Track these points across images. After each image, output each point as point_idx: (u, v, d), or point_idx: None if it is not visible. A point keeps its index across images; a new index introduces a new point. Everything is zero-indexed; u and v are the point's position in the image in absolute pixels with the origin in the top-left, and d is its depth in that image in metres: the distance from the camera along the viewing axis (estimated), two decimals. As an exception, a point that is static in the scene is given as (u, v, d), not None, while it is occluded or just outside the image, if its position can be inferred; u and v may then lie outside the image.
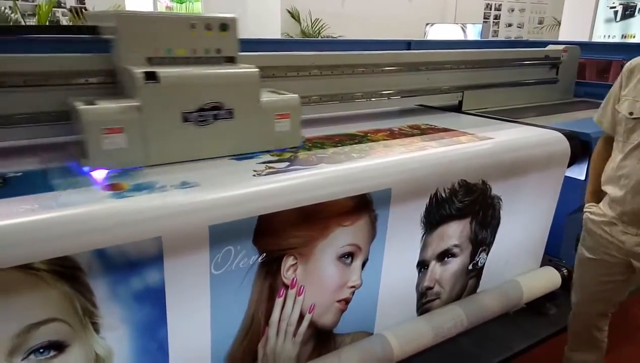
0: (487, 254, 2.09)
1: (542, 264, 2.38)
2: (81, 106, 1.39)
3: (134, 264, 1.19)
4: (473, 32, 8.85)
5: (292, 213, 1.42)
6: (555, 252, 2.43)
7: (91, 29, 1.61)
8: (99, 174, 1.38)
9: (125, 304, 1.22)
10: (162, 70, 1.43)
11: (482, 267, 2.11)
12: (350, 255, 1.63)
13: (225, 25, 1.58)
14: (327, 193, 1.48)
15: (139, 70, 1.41)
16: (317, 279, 1.58)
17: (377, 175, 1.60)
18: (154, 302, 1.26)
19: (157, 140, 1.45)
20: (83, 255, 1.11)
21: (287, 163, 1.56)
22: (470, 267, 2.05)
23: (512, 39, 9.11)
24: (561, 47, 3.07)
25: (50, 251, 1.06)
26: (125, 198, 1.21)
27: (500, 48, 3.34)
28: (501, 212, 2.04)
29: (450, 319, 1.93)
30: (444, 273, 1.97)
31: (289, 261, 1.49)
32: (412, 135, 2.02)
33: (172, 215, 1.22)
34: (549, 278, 2.30)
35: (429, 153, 1.75)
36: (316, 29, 7.78)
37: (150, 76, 1.40)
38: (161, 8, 7.24)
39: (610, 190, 1.64)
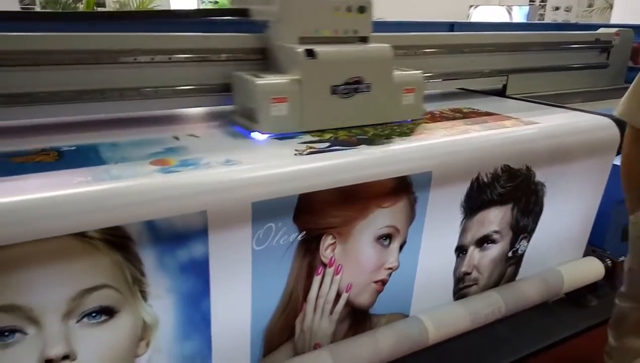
0: (527, 242, 2.05)
1: (585, 254, 2.32)
2: (254, 79, 1.61)
3: (181, 236, 1.24)
4: (519, 15, 8.53)
5: (331, 193, 1.43)
6: (599, 243, 2.35)
7: (242, 12, 1.84)
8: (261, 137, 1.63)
9: (171, 274, 1.27)
10: (318, 48, 1.63)
11: (522, 255, 2.07)
12: (389, 236, 1.64)
13: (364, 8, 1.75)
14: (367, 175, 1.48)
15: (300, 49, 1.62)
16: (354, 259, 1.60)
17: (418, 157, 1.59)
18: (198, 273, 1.30)
19: (310, 109, 1.66)
20: (133, 226, 1.16)
21: (328, 143, 1.58)
22: (509, 254, 2.01)
23: (559, 22, 8.74)
24: (613, 30, 2.94)
25: (106, 221, 1.12)
26: (172, 173, 1.25)
27: (547, 31, 3.22)
28: (544, 199, 1.99)
29: (488, 305, 1.92)
30: (483, 259, 1.95)
31: (327, 240, 1.51)
32: (454, 118, 1.99)
33: (217, 191, 1.26)
34: (592, 269, 2.24)
35: (472, 136, 1.72)
36: (356, 12, 7.68)
37: (309, 53, 1.62)
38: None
39: None
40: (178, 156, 1.40)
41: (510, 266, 2.06)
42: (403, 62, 2.20)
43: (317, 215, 1.45)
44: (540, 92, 2.64)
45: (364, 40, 1.81)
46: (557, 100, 2.42)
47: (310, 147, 1.52)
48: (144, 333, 1.29)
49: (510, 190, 1.84)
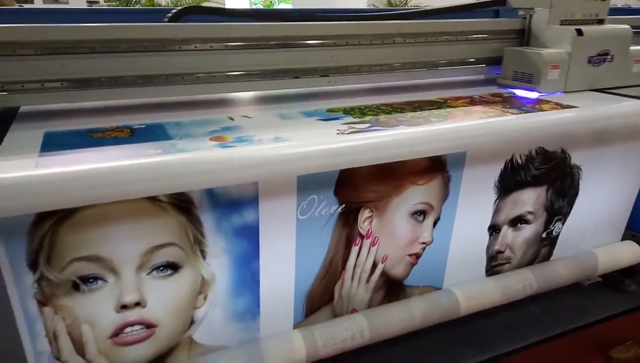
0: (562, 224, 2.11)
1: (624, 239, 2.34)
2: (537, 50, 2.18)
3: (235, 203, 1.41)
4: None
5: (370, 170, 1.57)
6: (639, 227, 2.37)
7: (501, 2, 2.36)
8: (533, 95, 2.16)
9: (226, 237, 1.45)
10: (583, 28, 2.15)
11: (557, 237, 2.13)
12: (423, 213, 1.75)
13: None
14: (403, 153, 1.60)
15: (570, 28, 2.14)
16: (390, 233, 1.73)
17: (452, 138, 1.68)
18: (249, 237, 1.48)
19: (573, 74, 2.17)
20: (196, 193, 1.34)
21: (368, 124, 1.70)
22: (544, 235, 2.08)
23: (618, 6, 8.34)
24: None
25: (174, 187, 1.30)
26: (229, 148, 1.43)
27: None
28: (580, 182, 2.04)
29: (519, 281, 2.00)
30: (516, 239, 2.03)
31: (365, 213, 1.65)
32: (494, 102, 2.06)
33: (267, 164, 1.41)
34: (629, 252, 2.26)
35: (506, 118, 1.80)
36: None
37: (579, 32, 2.13)
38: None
39: None
40: (233, 134, 1.57)
41: (544, 247, 2.13)
42: (447, 48, 2.30)
43: (355, 189, 1.59)
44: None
45: (600, 22, 2.30)
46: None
47: (352, 127, 1.66)
48: (202, 288, 1.48)
49: (544, 172, 1.91)
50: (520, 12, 2.40)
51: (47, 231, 1.21)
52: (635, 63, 2.33)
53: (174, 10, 2.06)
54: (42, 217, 1.19)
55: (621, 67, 2.28)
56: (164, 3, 6.55)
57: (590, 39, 2.16)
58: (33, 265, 1.24)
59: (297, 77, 2.08)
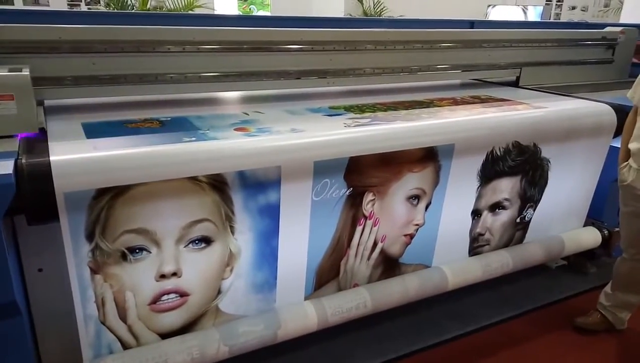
0: (534, 210, 2.39)
1: (585, 225, 2.65)
2: None
3: (261, 185, 1.61)
4: (534, 14, 8.80)
5: (374, 158, 1.79)
6: (598, 215, 2.67)
7: None
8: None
9: (252, 215, 1.64)
10: None
11: (529, 222, 2.41)
12: (417, 197, 1.99)
13: None
14: (402, 144, 1.84)
15: None
16: (389, 214, 1.95)
17: (443, 131, 1.94)
18: (271, 216, 1.68)
19: None
20: (229, 174, 1.54)
21: (369, 119, 1.94)
22: (518, 220, 2.36)
23: (574, 21, 8.96)
24: (619, 29, 3.24)
25: (212, 168, 1.50)
26: (256, 136, 1.63)
27: (558, 29, 3.53)
28: (549, 173, 2.33)
29: (498, 260, 2.27)
30: (495, 223, 2.30)
31: (369, 196, 1.87)
32: (474, 103, 2.33)
33: (289, 150, 1.62)
34: (590, 237, 2.56)
35: (488, 116, 2.07)
36: (377, 10, 8.03)
37: None
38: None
39: (635, 146, 1.94)
40: (253, 126, 1.77)
41: (518, 231, 2.40)
42: (428, 55, 2.57)
43: (362, 174, 1.81)
44: (550, 84, 2.96)
45: None
46: (565, 91, 2.74)
47: (356, 122, 1.89)
48: (229, 260, 1.67)
49: (519, 164, 2.18)
50: None
51: (105, 205, 1.38)
52: None
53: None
54: (101, 193, 1.36)
55: None
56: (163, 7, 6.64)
57: None
58: (90, 236, 1.40)
59: (299, 78, 2.30)
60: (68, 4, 6.67)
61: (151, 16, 3.03)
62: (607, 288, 2.27)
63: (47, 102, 1.92)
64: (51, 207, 1.31)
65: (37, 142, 1.45)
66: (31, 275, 1.55)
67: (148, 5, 5.59)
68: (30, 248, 1.52)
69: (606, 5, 9.82)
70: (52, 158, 1.32)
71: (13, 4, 6.11)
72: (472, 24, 3.33)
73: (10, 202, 1.26)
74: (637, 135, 1.96)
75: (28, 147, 1.41)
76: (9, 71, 1.52)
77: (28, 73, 1.52)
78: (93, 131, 1.63)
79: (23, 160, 1.31)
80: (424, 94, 2.53)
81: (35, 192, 1.29)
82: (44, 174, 1.29)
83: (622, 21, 6.41)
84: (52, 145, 1.41)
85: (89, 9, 6.51)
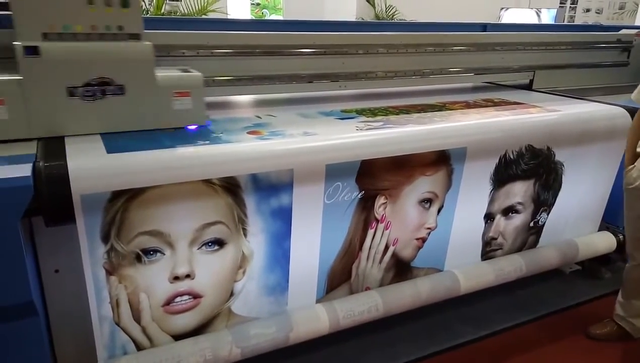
0: (547, 214, 2.37)
1: (600, 230, 2.62)
2: None
3: (274, 188, 1.62)
4: (547, 17, 8.73)
5: (386, 161, 1.80)
6: (613, 220, 2.64)
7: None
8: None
9: (264, 217, 1.65)
10: (46, 45, 1.45)
11: (543, 226, 2.39)
12: (429, 201, 1.99)
13: (126, 2, 1.55)
14: (414, 147, 1.84)
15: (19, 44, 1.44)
16: (401, 218, 1.95)
17: (456, 135, 1.94)
18: (283, 218, 1.69)
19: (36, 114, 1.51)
20: (242, 177, 1.55)
21: (382, 123, 1.94)
22: (531, 224, 2.34)
23: (589, 23, 8.88)
24: (634, 31, 3.21)
25: (225, 171, 1.51)
26: (269, 139, 1.64)
27: (572, 32, 3.50)
28: (563, 177, 2.31)
29: (511, 264, 2.25)
30: (507, 227, 2.28)
31: (380, 200, 1.87)
32: (487, 106, 2.32)
33: (302, 153, 1.63)
34: (605, 241, 2.54)
35: (500, 119, 2.06)
36: (390, 13, 8.04)
37: (32, 51, 1.43)
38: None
39: None
40: (265, 129, 1.79)
41: (531, 235, 2.38)
42: (440, 58, 2.56)
43: (374, 178, 1.81)
44: (564, 87, 2.94)
45: (135, 37, 1.61)
46: (579, 95, 2.72)
47: (368, 125, 1.89)
48: (242, 263, 1.68)
49: (532, 167, 2.17)
50: None
51: (120, 207, 1.40)
52: (176, 97, 1.67)
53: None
54: (116, 195, 1.38)
55: (141, 103, 1.61)
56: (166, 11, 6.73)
57: (62, 60, 1.46)
58: (105, 238, 1.42)
59: (311, 82, 2.32)
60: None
61: (165, 21, 3.07)
62: (620, 297, 2.24)
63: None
64: (68, 209, 1.33)
65: (55, 145, 1.48)
66: (48, 276, 1.57)
67: (162, 10, 5.67)
68: (47, 249, 1.55)
69: (621, 8, 9.69)
70: (69, 161, 1.35)
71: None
72: (484, 27, 3.31)
73: (29, 203, 1.29)
74: None
75: (46, 150, 1.44)
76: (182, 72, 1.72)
77: (201, 74, 1.73)
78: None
79: (41, 164, 1.33)
80: (436, 97, 2.53)
81: (52, 194, 1.32)
82: (61, 176, 1.31)
83: (637, 24, 6.35)
84: (69, 149, 1.44)
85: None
